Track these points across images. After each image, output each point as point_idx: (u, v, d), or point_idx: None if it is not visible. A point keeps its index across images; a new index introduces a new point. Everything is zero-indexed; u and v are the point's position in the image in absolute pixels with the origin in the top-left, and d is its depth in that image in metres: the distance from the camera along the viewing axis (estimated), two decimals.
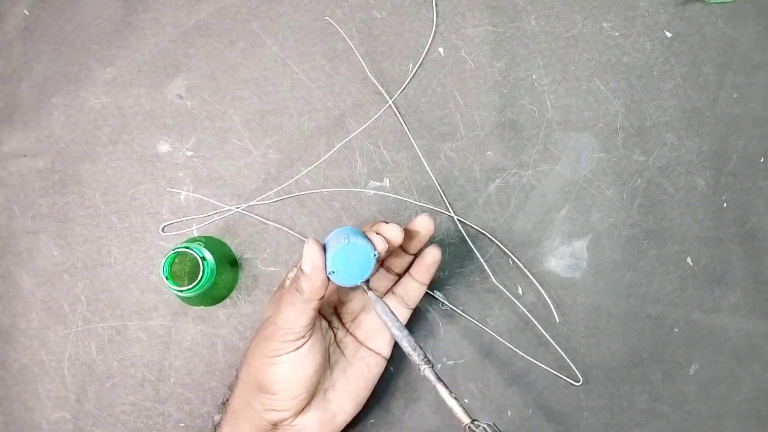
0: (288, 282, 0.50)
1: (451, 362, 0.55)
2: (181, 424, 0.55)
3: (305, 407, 0.48)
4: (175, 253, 0.49)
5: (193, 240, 0.54)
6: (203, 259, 0.49)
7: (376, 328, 0.51)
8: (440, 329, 0.56)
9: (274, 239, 0.56)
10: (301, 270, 0.46)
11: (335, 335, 0.52)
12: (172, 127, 0.57)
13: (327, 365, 0.50)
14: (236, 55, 0.58)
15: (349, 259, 0.45)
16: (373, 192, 0.57)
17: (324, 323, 0.51)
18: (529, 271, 0.56)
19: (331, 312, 0.53)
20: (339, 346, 0.51)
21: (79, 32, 0.59)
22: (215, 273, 0.51)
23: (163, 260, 0.49)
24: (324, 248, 0.46)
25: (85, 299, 0.56)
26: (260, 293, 0.56)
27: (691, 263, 0.57)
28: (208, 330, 0.56)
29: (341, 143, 0.57)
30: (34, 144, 0.57)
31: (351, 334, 0.52)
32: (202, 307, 0.56)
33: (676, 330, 0.56)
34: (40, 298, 0.56)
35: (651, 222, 0.57)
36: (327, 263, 0.45)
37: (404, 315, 0.52)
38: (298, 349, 0.46)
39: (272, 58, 0.58)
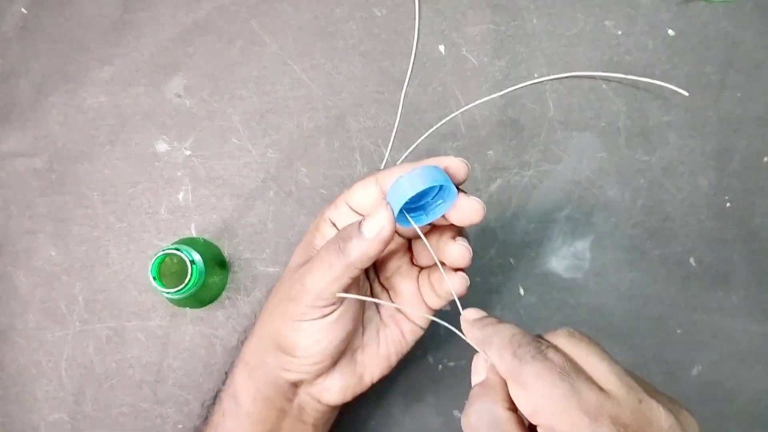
0: (329, 214, 0.43)
1: (452, 363, 0.55)
2: (180, 426, 0.54)
3: (329, 370, 0.42)
4: (164, 254, 0.49)
5: (184, 241, 0.53)
6: (192, 261, 0.49)
7: (413, 297, 0.44)
8: (441, 329, 0.55)
9: (274, 239, 0.56)
10: (359, 230, 0.38)
11: (371, 288, 0.45)
12: (171, 126, 0.57)
13: (360, 325, 0.43)
14: (235, 54, 0.58)
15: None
16: None
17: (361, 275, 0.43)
18: (530, 272, 0.56)
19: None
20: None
21: (77, 31, 0.58)
22: (204, 275, 0.50)
23: (152, 261, 0.49)
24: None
25: (82, 300, 0.56)
26: (259, 294, 0.56)
27: (694, 264, 0.56)
28: (207, 331, 0.55)
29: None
30: (32, 143, 0.57)
31: (387, 291, 0.46)
32: (188, 308, 0.55)
33: (679, 331, 0.56)
34: (38, 298, 0.56)
35: (654, 222, 0.56)
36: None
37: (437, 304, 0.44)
38: (325, 317, 0.39)
39: (271, 56, 0.58)
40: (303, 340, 0.40)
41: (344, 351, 0.43)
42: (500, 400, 0.34)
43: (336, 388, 0.43)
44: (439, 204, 0.40)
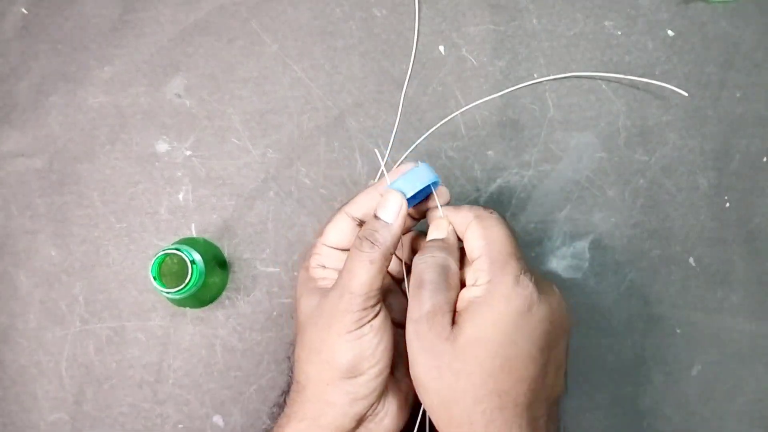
0: (314, 262, 0.47)
1: None
2: (180, 426, 0.55)
3: (385, 393, 0.45)
4: (164, 254, 0.49)
5: (184, 241, 0.53)
6: (192, 261, 0.49)
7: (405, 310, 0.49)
8: None
9: (273, 239, 0.56)
10: (378, 220, 0.43)
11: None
12: (171, 126, 0.57)
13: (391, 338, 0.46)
14: (235, 54, 0.58)
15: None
16: None
17: None
18: None
19: None
20: None
21: (77, 31, 0.58)
22: (204, 275, 0.50)
23: (152, 261, 0.49)
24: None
25: (83, 300, 0.56)
26: (259, 294, 0.56)
27: (693, 264, 0.56)
28: (207, 331, 0.55)
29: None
30: (32, 143, 0.57)
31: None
32: (189, 308, 0.55)
33: (679, 331, 0.56)
34: (38, 298, 0.56)
35: (653, 222, 0.56)
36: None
37: None
38: (378, 314, 0.43)
39: (271, 56, 0.58)
40: (366, 346, 0.42)
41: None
42: (454, 257, 0.43)
43: (395, 410, 0.45)
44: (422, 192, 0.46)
